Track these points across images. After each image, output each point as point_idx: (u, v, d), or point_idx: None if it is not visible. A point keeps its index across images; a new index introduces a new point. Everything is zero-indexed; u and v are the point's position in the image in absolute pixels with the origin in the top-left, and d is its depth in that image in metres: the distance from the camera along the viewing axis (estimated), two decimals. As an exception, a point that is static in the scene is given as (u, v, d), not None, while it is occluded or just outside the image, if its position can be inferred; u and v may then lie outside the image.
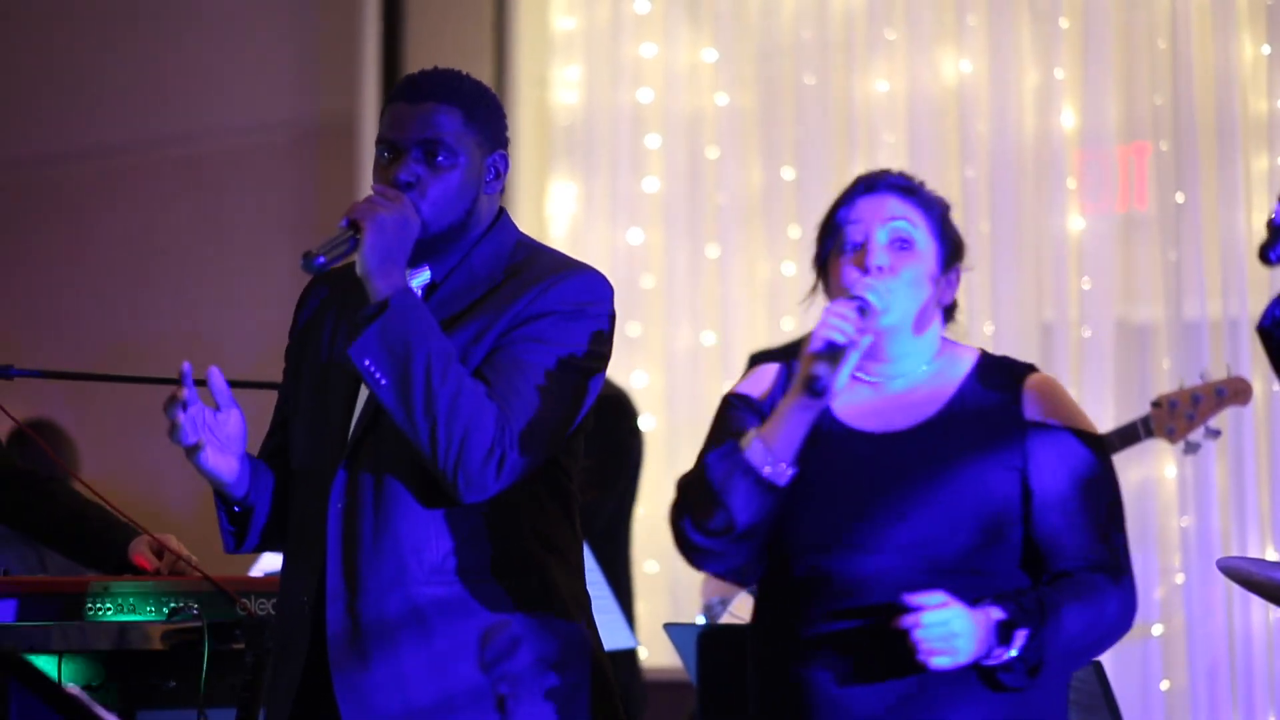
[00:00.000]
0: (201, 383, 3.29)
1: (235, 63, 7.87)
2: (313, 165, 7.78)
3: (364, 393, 3.28)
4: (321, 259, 3.18)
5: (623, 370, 6.99)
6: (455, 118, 3.29)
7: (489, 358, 3.23)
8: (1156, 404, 5.20)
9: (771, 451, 3.16)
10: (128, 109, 7.93)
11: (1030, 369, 3.30)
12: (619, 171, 7.31)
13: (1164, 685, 6.23)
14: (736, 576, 3.31)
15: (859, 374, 3.24)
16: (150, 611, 3.85)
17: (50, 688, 2.45)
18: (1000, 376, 3.28)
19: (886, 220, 3.29)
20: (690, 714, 5.31)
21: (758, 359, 5.47)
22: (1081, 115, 6.51)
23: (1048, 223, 6.51)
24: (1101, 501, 3.21)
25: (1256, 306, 6.06)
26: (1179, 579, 6.18)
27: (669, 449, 7.00)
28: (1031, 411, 3.23)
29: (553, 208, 7.44)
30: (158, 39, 7.94)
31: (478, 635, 3.07)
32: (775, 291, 7.01)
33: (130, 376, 4.49)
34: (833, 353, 3.14)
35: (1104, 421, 5.88)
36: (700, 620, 5.44)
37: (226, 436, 3.29)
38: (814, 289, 3.41)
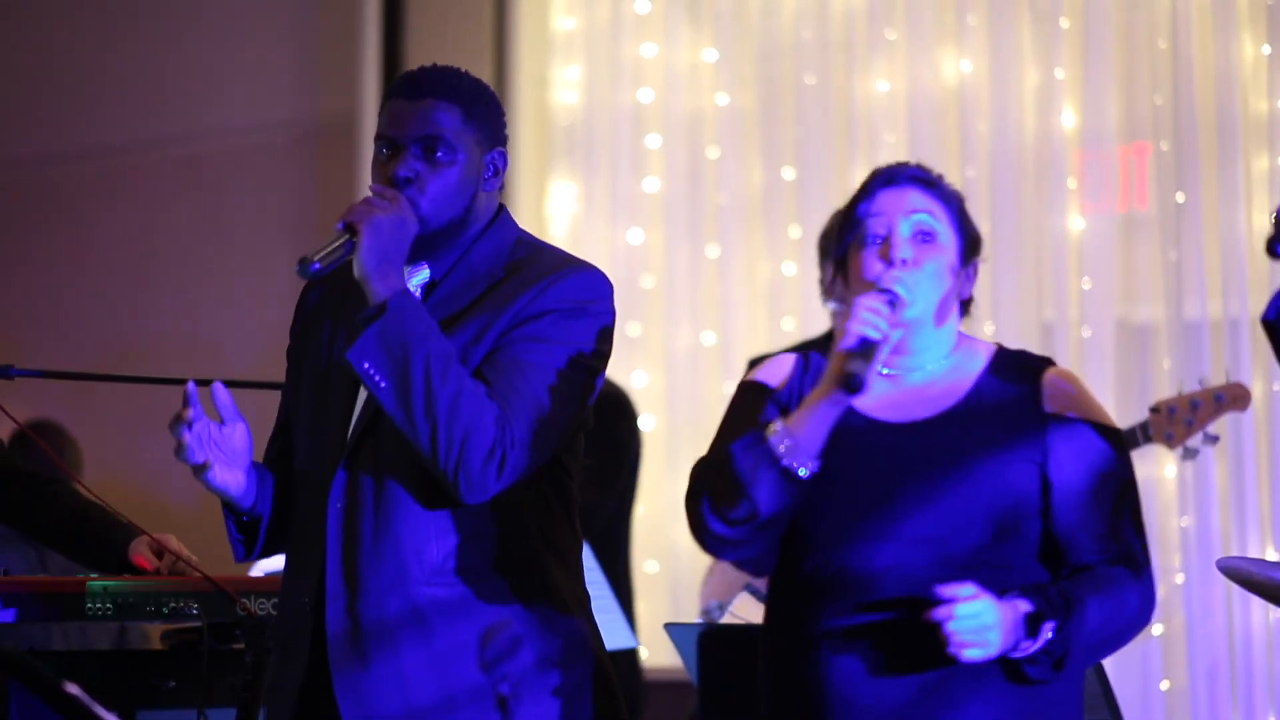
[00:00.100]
0: (206, 382, 3.29)
1: (235, 63, 7.87)
2: (313, 165, 7.78)
3: (363, 394, 3.28)
4: (317, 265, 3.18)
5: (623, 370, 6.99)
6: (454, 114, 3.29)
7: (489, 357, 3.23)
8: (1155, 410, 5.20)
9: (797, 444, 3.15)
10: (128, 109, 7.93)
11: (1048, 362, 3.30)
12: (619, 171, 7.30)
13: (1164, 685, 6.22)
14: (752, 566, 3.31)
15: (879, 366, 3.23)
16: (150, 611, 3.85)
17: (50, 688, 2.45)
18: (1018, 370, 3.28)
19: (909, 213, 3.28)
20: (690, 714, 5.31)
21: (757, 364, 5.45)
22: (1082, 115, 6.51)
23: (1048, 223, 6.51)
24: (1120, 495, 3.21)
25: (1257, 306, 6.06)
26: (1179, 579, 6.17)
27: (669, 449, 7.00)
28: (1051, 405, 3.23)
29: (553, 207, 7.44)
30: (158, 39, 7.94)
31: (478, 635, 3.06)
32: (775, 291, 7.00)
33: (130, 376, 4.48)
34: (867, 349, 3.13)
35: (1104, 422, 5.88)
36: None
37: (232, 450, 3.29)
38: (834, 282, 3.38)
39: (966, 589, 3.03)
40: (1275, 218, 2.88)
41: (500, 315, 3.25)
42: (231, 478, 3.29)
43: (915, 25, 6.80)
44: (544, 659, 3.25)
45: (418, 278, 3.32)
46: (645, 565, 6.87)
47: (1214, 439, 5.22)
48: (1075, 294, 6.44)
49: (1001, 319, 6.35)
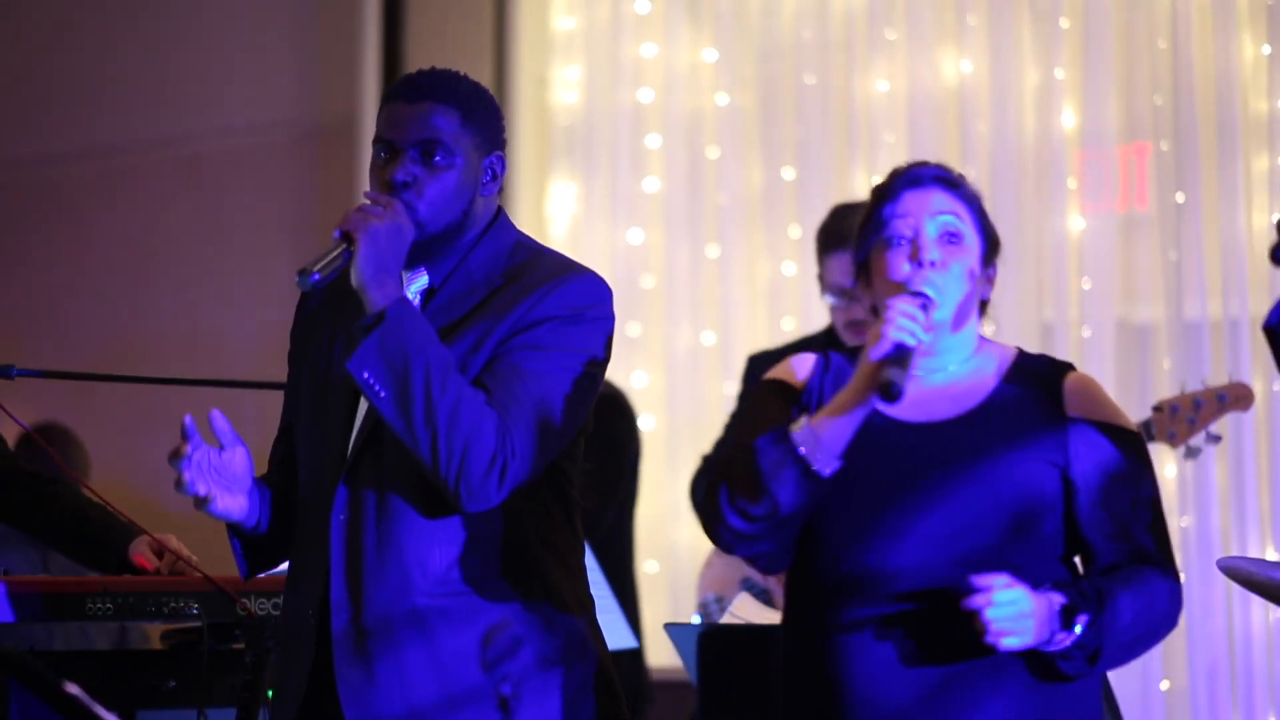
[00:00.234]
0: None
1: (235, 63, 7.87)
2: (313, 165, 7.78)
3: (364, 404, 3.27)
4: (316, 275, 3.17)
5: (623, 370, 6.99)
6: (453, 118, 3.28)
7: (488, 365, 3.22)
8: (1158, 408, 5.20)
9: (822, 442, 3.15)
10: (128, 109, 7.93)
11: (1069, 367, 3.30)
12: (619, 171, 7.30)
13: (1164, 685, 6.22)
14: (765, 561, 3.30)
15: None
16: (150, 611, 3.85)
17: (50, 688, 2.45)
18: (1039, 373, 3.28)
19: (935, 214, 3.26)
20: (690, 714, 5.31)
21: (756, 360, 5.47)
22: (1082, 115, 6.51)
23: (1048, 223, 6.51)
24: (1145, 497, 3.21)
25: (1257, 306, 6.07)
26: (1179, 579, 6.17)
27: (669, 449, 6.99)
28: (1073, 409, 3.23)
29: (553, 208, 7.44)
30: (158, 39, 7.93)
31: (479, 637, 3.07)
32: (775, 291, 7.00)
33: (130, 376, 4.49)
34: (903, 354, 3.11)
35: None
36: (696, 618, 5.44)
37: (233, 476, 3.28)
38: (860, 284, 3.34)
39: (1001, 579, 3.03)
40: (1279, 225, 2.88)
41: (499, 323, 3.24)
42: (234, 504, 3.29)
43: (915, 25, 6.80)
44: (545, 659, 3.25)
45: (416, 284, 3.32)
46: (645, 565, 6.86)
47: (1216, 438, 5.22)
48: (1075, 294, 6.44)
49: (1001, 319, 6.34)
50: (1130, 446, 3.23)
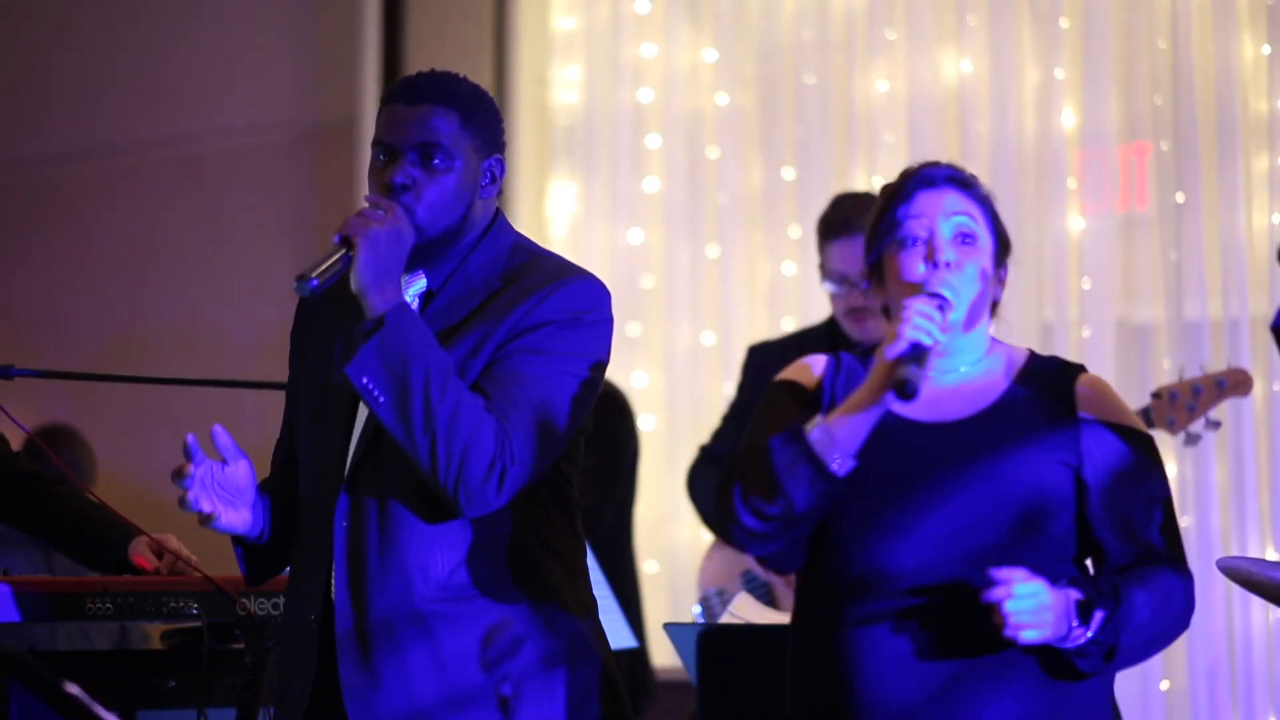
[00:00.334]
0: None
1: (235, 63, 7.87)
2: (313, 165, 7.78)
3: (364, 410, 3.27)
4: (315, 281, 3.16)
5: (623, 370, 6.99)
6: (452, 121, 3.27)
7: (487, 370, 3.21)
8: (1157, 395, 5.19)
9: (837, 442, 3.15)
10: (128, 109, 7.93)
11: (1081, 369, 3.30)
12: (619, 171, 7.30)
13: (1164, 685, 6.22)
14: (776, 560, 3.29)
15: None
16: (150, 611, 3.85)
17: (50, 688, 2.45)
18: (1051, 374, 3.29)
19: (950, 215, 3.26)
20: (690, 714, 5.31)
21: (756, 351, 5.47)
22: (1082, 115, 6.51)
23: (1048, 223, 6.51)
24: (1157, 497, 3.22)
25: (1257, 306, 6.07)
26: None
27: (669, 449, 6.99)
28: (1085, 408, 3.23)
29: (553, 208, 7.44)
30: (158, 39, 7.94)
31: (480, 638, 3.07)
32: (775, 291, 7.00)
33: (131, 376, 4.49)
34: (919, 354, 3.11)
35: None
36: (696, 611, 5.44)
37: (236, 489, 3.29)
38: (872, 284, 3.34)
39: (1020, 572, 3.04)
40: None
41: (498, 327, 3.23)
42: (238, 518, 3.30)
43: (915, 25, 6.80)
44: (546, 659, 3.25)
45: (414, 287, 3.31)
46: (645, 565, 6.87)
47: (1216, 424, 5.21)
48: (1075, 294, 6.44)
49: (1002, 319, 6.33)
50: (1142, 447, 3.24)
